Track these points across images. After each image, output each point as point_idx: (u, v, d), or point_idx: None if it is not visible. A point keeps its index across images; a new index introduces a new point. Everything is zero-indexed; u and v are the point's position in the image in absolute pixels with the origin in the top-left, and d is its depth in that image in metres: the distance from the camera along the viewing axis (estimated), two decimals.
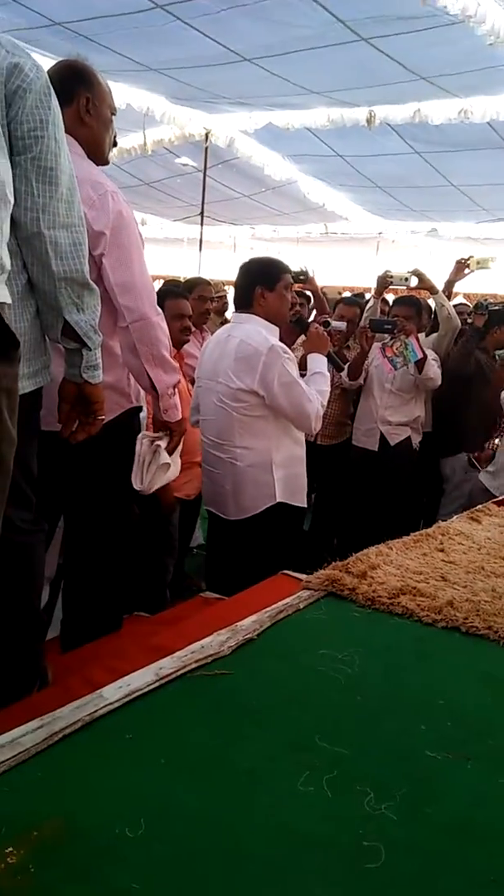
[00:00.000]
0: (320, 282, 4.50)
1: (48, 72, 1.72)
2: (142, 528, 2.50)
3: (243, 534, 2.32)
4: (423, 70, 5.32)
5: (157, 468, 1.90)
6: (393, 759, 0.97)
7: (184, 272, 9.29)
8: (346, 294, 5.88)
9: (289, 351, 2.29)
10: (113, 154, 6.90)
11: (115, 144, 1.96)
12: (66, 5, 4.93)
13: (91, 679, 1.32)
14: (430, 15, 4.34)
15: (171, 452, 1.96)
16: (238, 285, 2.41)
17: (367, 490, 3.69)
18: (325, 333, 2.56)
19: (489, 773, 0.95)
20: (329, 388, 2.45)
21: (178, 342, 2.85)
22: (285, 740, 1.00)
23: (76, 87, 1.82)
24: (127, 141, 7.57)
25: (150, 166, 8.27)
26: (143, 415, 2.04)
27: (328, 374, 2.46)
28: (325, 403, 2.39)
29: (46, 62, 1.98)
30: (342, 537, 3.94)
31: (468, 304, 6.14)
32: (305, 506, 2.46)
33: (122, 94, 6.39)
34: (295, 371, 2.27)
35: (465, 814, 0.87)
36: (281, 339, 2.49)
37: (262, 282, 2.33)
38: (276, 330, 2.36)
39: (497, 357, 3.48)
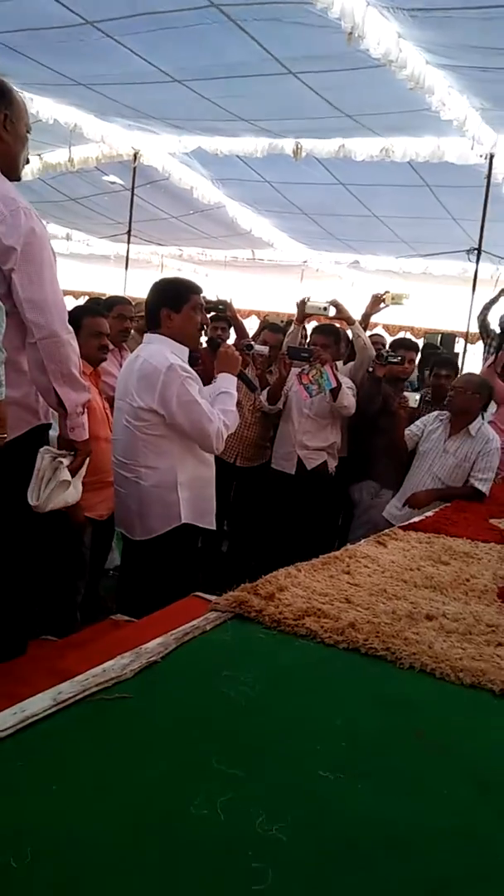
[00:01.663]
0: (246, 306, 4.58)
1: None
2: (51, 548, 2.45)
3: (150, 555, 2.31)
4: (348, 108, 5.53)
5: (56, 485, 1.87)
6: (287, 779, 0.98)
7: (110, 289, 9.23)
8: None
9: (190, 370, 2.32)
10: (38, 168, 6.82)
11: (27, 161, 1.95)
12: None
13: None
14: (355, 56, 4.53)
15: (73, 473, 1.93)
16: (147, 306, 2.44)
17: (285, 512, 3.74)
18: (237, 354, 2.60)
19: (378, 793, 0.97)
20: (234, 408, 2.47)
21: (95, 360, 2.84)
22: (182, 764, 0.99)
23: None
24: (53, 156, 7.52)
25: (76, 182, 8.24)
26: (52, 433, 2.01)
27: (235, 394, 2.50)
28: (231, 422, 2.41)
29: None
30: (260, 559, 3.97)
31: (385, 335, 6.35)
32: (214, 527, 2.47)
33: (49, 109, 6.35)
34: (195, 390, 2.29)
35: (351, 834, 0.89)
36: (200, 361, 2.51)
37: (168, 303, 2.36)
38: (185, 350, 2.38)
39: (399, 398, 3.59)
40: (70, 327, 1.86)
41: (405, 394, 3.60)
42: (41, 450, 1.89)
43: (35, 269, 1.77)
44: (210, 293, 3.22)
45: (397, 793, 0.99)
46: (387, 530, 2.28)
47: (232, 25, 4.54)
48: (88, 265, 11.89)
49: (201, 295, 2.46)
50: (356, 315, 4.03)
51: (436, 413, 3.54)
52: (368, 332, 4.43)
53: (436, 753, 1.10)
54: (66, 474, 1.89)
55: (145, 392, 2.27)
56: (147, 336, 2.46)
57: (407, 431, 3.51)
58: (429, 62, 4.77)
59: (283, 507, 3.75)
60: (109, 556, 3.40)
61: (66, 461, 1.91)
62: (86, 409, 1.95)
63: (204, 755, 1.01)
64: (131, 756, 1.00)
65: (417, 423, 3.55)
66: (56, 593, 2.60)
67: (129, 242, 8.30)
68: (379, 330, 7.39)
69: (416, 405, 3.55)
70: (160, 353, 2.31)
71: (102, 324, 2.85)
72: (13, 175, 1.90)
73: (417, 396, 3.59)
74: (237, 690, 1.20)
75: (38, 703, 1.09)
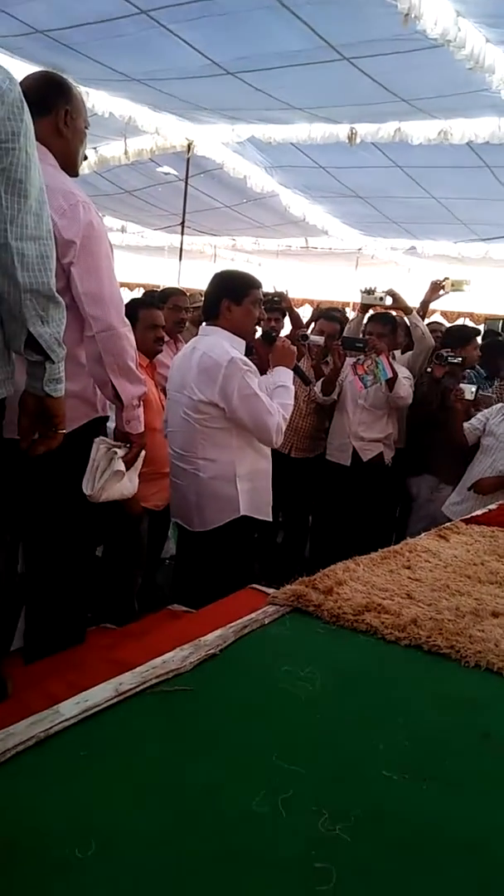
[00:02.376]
0: (300, 295, 4.55)
1: (24, 81, 1.72)
2: (109, 538, 2.48)
3: (208, 546, 2.32)
4: (404, 92, 5.41)
5: (111, 475, 1.88)
6: (349, 778, 0.97)
7: (164, 281, 9.30)
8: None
9: (250, 363, 2.30)
10: (94, 161, 6.91)
11: (85, 157, 1.96)
12: (48, 13, 4.93)
13: (50, 693, 1.30)
14: (412, 38, 4.42)
15: (128, 465, 1.94)
16: (207, 296, 2.43)
17: (340, 504, 3.70)
18: (292, 347, 2.57)
19: (443, 795, 0.95)
20: (292, 402, 2.45)
21: (151, 352, 2.86)
22: (242, 758, 0.99)
23: (56, 99, 1.83)
24: (109, 150, 7.59)
25: (131, 174, 8.30)
26: (110, 424, 2.03)
27: (292, 388, 2.47)
28: (288, 416, 2.39)
29: (29, 70, 1.99)
30: (315, 551, 3.95)
31: (443, 322, 6.21)
32: (270, 519, 2.47)
33: (105, 102, 6.41)
34: (255, 384, 2.27)
35: (416, 836, 0.87)
36: (254, 354, 2.49)
37: (229, 295, 2.35)
38: (242, 343, 2.37)
39: (454, 391, 3.47)
40: (127, 320, 1.87)
41: (461, 385, 3.48)
42: (96, 440, 1.91)
43: (93, 263, 1.78)
44: (265, 283, 3.21)
45: (464, 795, 0.96)
46: (448, 524, 2.23)
47: (286, 12, 4.48)
48: (143, 257, 12.01)
49: (261, 290, 2.44)
50: (413, 302, 3.94)
51: (499, 406, 3.43)
52: (427, 320, 4.34)
53: (503, 755, 1.06)
54: (120, 465, 1.90)
55: (206, 385, 2.27)
56: (204, 328, 2.45)
57: (467, 425, 3.41)
58: (489, 40, 4.61)
59: (339, 498, 3.71)
60: (165, 545, 3.44)
61: (120, 452, 1.92)
62: (142, 402, 1.96)
63: (264, 750, 1.00)
64: (193, 749, 1.00)
65: (479, 416, 3.44)
66: (114, 582, 2.64)
67: (182, 234, 8.33)
68: (437, 317, 7.23)
69: (472, 397, 3.44)
70: (220, 345, 2.30)
71: (158, 316, 2.87)
72: (72, 171, 1.92)
73: (474, 388, 3.47)
74: (296, 686, 1.18)
75: (101, 694, 1.10)
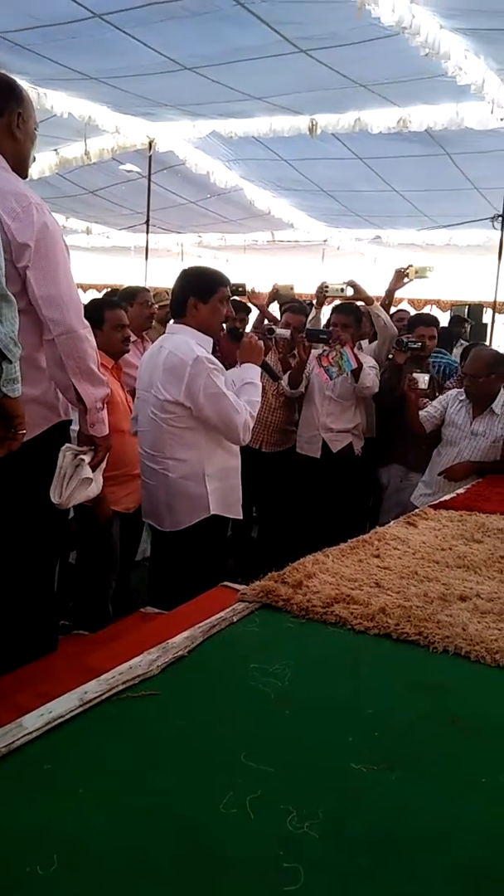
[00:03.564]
0: (267, 289, 4.53)
1: None
2: (80, 543, 2.45)
3: (180, 546, 2.30)
4: (362, 79, 5.40)
5: (79, 483, 1.85)
6: (318, 773, 0.96)
7: (131, 281, 9.20)
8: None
9: (216, 362, 2.28)
10: (55, 163, 6.79)
11: (34, 159, 1.94)
12: (2, 15, 4.84)
13: (19, 704, 1.29)
14: (367, 27, 4.41)
15: (94, 468, 1.91)
16: (174, 294, 2.40)
17: (313, 497, 3.70)
18: (259, 343, 2.55)
19: (412, 784, 0.94)
20: (259, 399, 2.44)
21: (118, 353, 2.83)
22: (210, 761, 0.97)
23: (7, 101, 1.81)
24: (69, 150, 7.50)
25: (93, 174, 8.20)
26: (74, 428, 2.00)
27: (259, 384, 2.46)
28: (256, 413, 2.38)
29: None
30: (290, 544, 3.94)
31: (410, 310, 6.22)
32: (241, 517, 2.46)
33: (63, 103, 6.33)
34: (222, 382, 2.26)
35: (385, 828, 0.86)
36: (222, 352, 2.47)
37: (196, 293, 2.32)
38: (209, 341, 2.35)
39: (408, 380, 3.44)
40: (86, 322, 1.85)
41: (414, 374, 3.42)
42: (63, 448, 1.89)
43: (50, 266, 1.75)
44: (232, 279, 3.17)
45: (434, 783, 0.96)
46: (417, 510, 2.23)
47: (240, 9, 4.45)
48: (109, 257, 11.90)
49: (228, 287, 2.42)
50: (379, 292, 3.94)
51: (454, 392, 3.39)
52: (393, 308, 4.34)
53: (473, 740, 1.06)
54: (87, 472, 1.87)
55: (172, 385, 2.25)
56: (171, 326, 2.43)
57: (423, 413, 3.36)
58: (443, 27, 4.62)
59: (312, 491, 3.71)
60: (140, 546, 3.41)
61: (87, 458, 1.89)
62: (105, 404, 1.94)
63: (232, 751, 0.99)
64: (159, 755, 0.99)
65: (435, 403, 3.38)
66: (88, 587, 2.61)
67: (147, 232, 8.25)
68: (404, 305, 7.25)
69: (425, 386, 3.38)
70: (186, 344, 2.28)
71: (123, 316, 2.85)
72: (23, 173, 1.89)
73: (427, 377, 3.42)
74: (266, 682, 1.17)
75: (65, 704, 1.08)
